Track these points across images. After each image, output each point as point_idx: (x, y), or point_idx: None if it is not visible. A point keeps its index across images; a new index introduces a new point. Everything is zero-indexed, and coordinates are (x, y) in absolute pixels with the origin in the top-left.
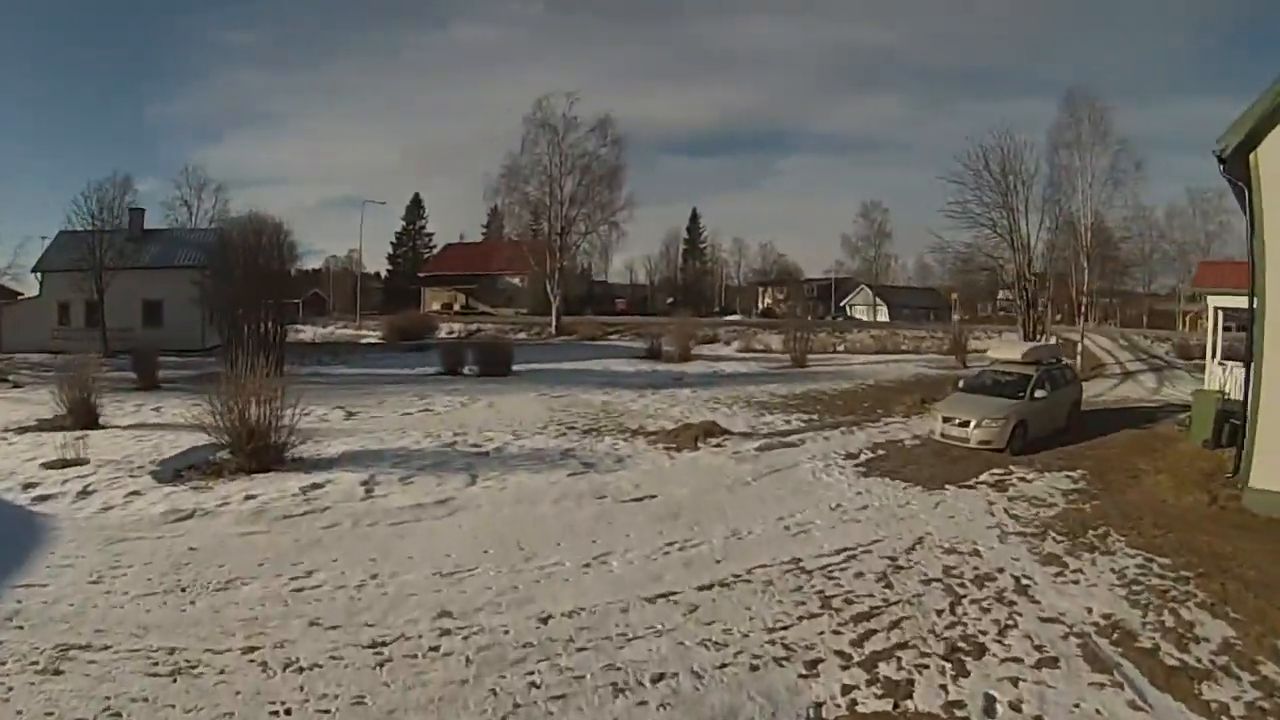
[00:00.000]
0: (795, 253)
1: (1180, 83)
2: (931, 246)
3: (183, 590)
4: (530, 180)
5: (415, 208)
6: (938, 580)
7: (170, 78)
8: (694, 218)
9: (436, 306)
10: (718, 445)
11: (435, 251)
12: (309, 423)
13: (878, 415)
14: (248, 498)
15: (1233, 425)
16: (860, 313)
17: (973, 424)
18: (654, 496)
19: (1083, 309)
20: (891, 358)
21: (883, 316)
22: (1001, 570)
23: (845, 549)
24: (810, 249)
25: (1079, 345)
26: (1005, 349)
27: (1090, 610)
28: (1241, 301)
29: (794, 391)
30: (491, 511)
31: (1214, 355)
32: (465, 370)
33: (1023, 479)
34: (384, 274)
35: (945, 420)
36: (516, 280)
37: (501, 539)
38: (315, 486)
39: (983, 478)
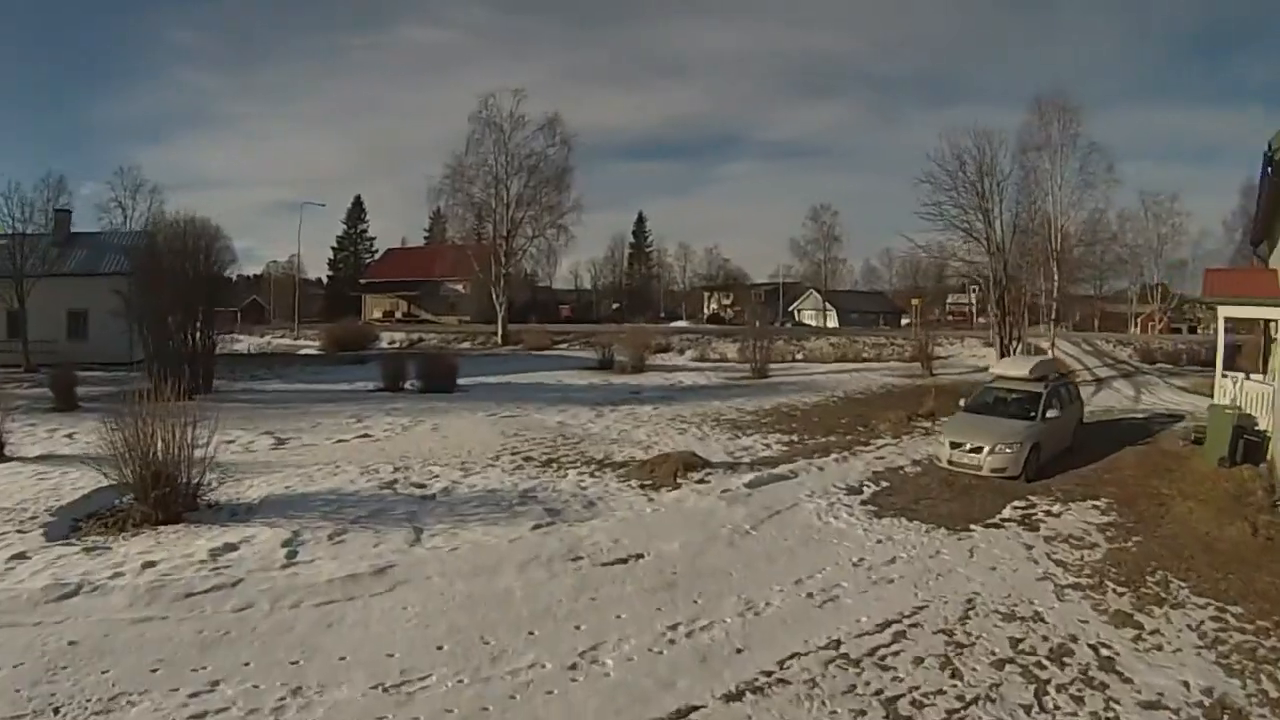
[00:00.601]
0: (742, 257)
1: (1128, 91)
2: (901, 250)
3: (56, 712)
4: (475, 181)
5: (356, 211)
6: (1010, 661)
7: (113, 77)
8: (640, 221)
9: (378, 314)
10: (701, 481)
11: (377, 257)
12: (232, 453)
13: (862, 435)
14: (146, 565)
15: (1249, 442)
16: (809, 317)
17: (985, 450)
18: (640, 556)
19: (1053, 314)
20: (853, 366)
21: (832, 321)
22: (1075, 639)
23: (889, 622)
24: (757, 253)
25: (1050, 352)
26: (1011, 365)
27: (1188, 685)
28: (1255, 311)
29: (763, 407)
30: (443, 585)
31: (1221, 366)
32: (407, 385)
33: (1049, 513)
34: (325, 280)
35: (954, 446)
36: (460, 287)
37: (458, 628)
38: (228, 548)
39: (1006, 513)
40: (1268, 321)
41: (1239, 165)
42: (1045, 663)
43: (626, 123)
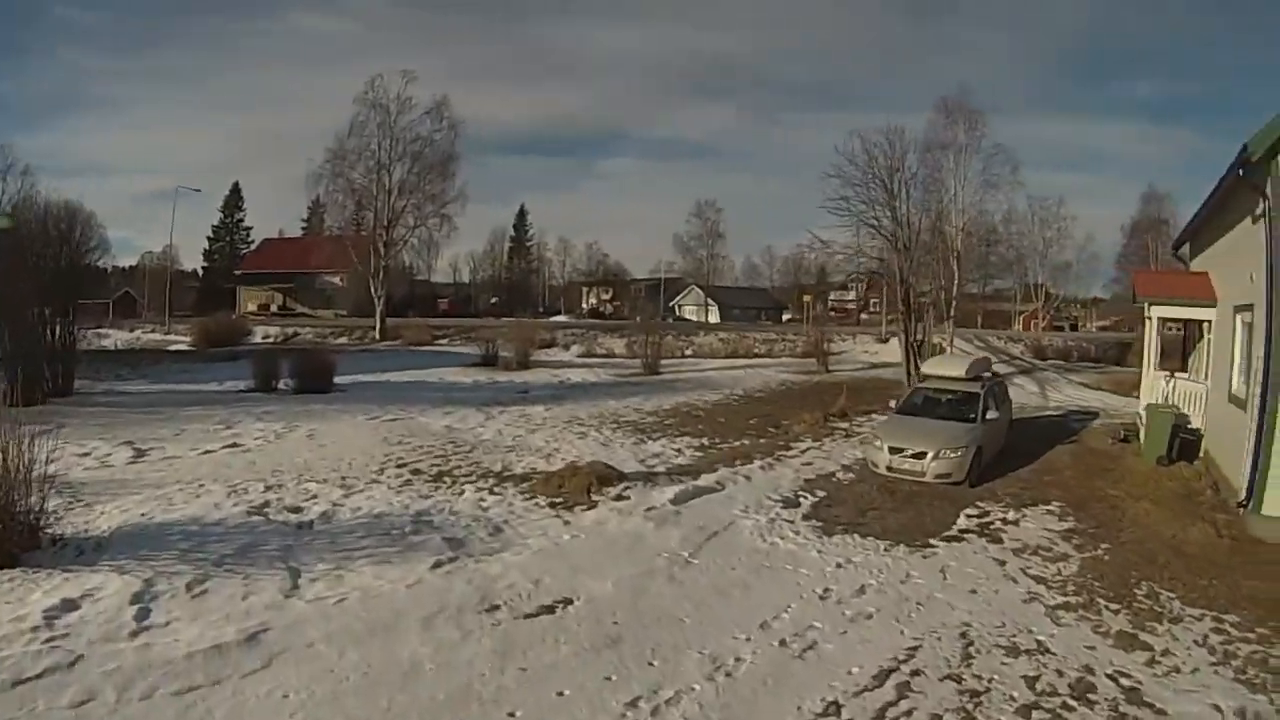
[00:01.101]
0: (622, 253)
1: (1015, 102)
2: (784, 248)
3: None
4: (357, 166)
5: (234, 199)
6: (1035, 706)
7: None
8: (522, 214)
9: (253, 308)
10: (619, 498)
11: (253, 248)
12: (85, 469)
13: (779, 438)
14: None
15: (1184, 440)
16: (690, 313)
17: (930, 456)
18: (570, 601)
19: (951, 312)
20: (745, 363)
21: (714, 317)
22: (1091, 670)
23: (886, 671)
24: (638, 250)
25: (949, 350)
26: (944, 364)
27: (1220, 709)
28: (1187, 312)
29: (662, 406)
30: (331, 657)
31: (1153, 366)
32: (281, 385)
33: (1006, 520)
34: (200, 272)
35: (894, 452)
36: (337, 279)
37: None
38: (67, 606)
39: (961, 523)
40: (1200, 322)
41: (1127, 174)
42: (1071, 703)
43: (512, 118)
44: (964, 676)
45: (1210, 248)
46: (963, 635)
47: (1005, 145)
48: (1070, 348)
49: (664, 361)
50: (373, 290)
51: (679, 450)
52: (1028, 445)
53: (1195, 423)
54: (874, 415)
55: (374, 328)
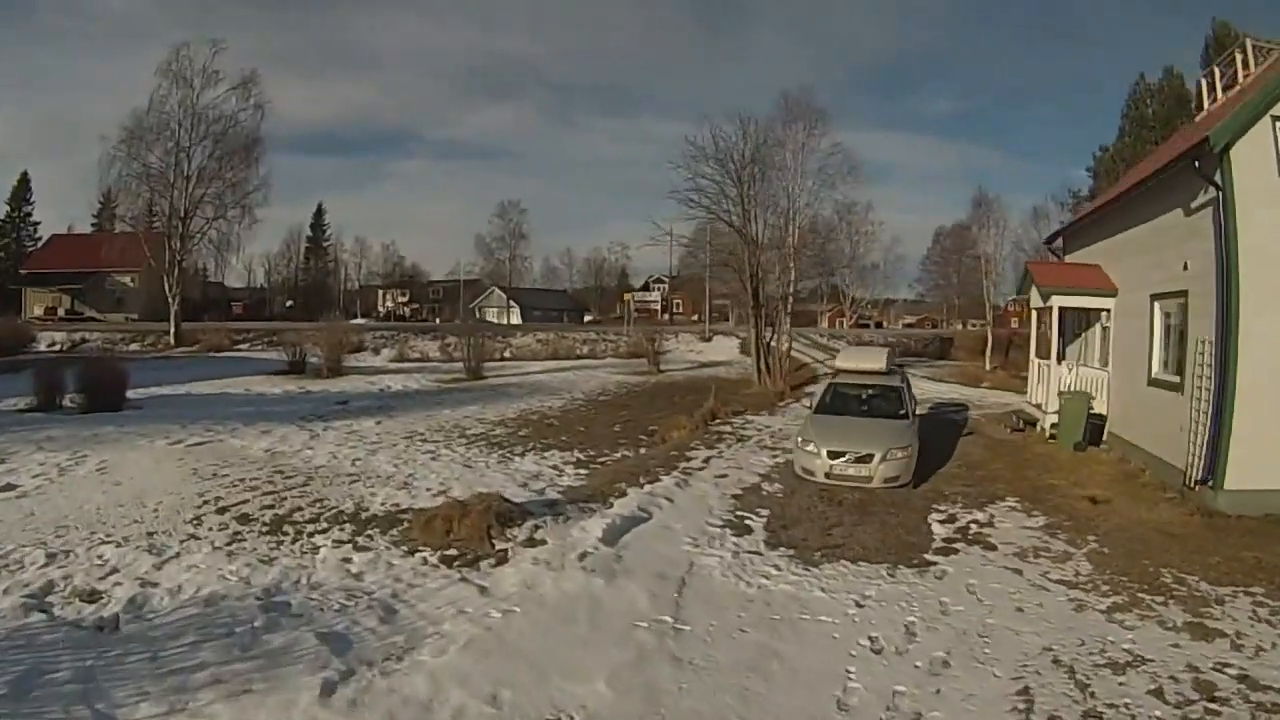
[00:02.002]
0: (421, 254)
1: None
2: (582, 251)
3: None
4: (154, 149)
5: (21, 191)
6: None
7: None
8: (319, 213)
9: (39, 311)
10: (531, 541)
11: (40, 245)
12: None
13: (662, 447)
14: None
15: (1092, 425)
16: (492, 315)
17: (877, 458)
18: None
19: (788, 308)
20: (571, 364)
21: (515, 319)
22: (1197, 668)
23: None
24: (437, 250)
25: (786, 345)
26: (862, 357)
27: None
28: (1088, 301)
29: (505, 415)
30: None
31: (1060, 357)
32: (67, 402)
33: (980, 523)
34: None
35: (834, 456)
36: (129, 279)
37: None
38: None
39: (939, 531)
40: (1091, 311)
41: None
42: (1212, 706)
43: (303, 114)
44: (1099, 709)
45: (1103, 242)
46: (1055, 662)
47: (844, 145)
48: (892, 344)
49: (485, 365)
50: (167, 290)
51: (556, 468)
52: (931, 441)
53: (1098, 408)
54: (747, 416)
55: (169, 332)
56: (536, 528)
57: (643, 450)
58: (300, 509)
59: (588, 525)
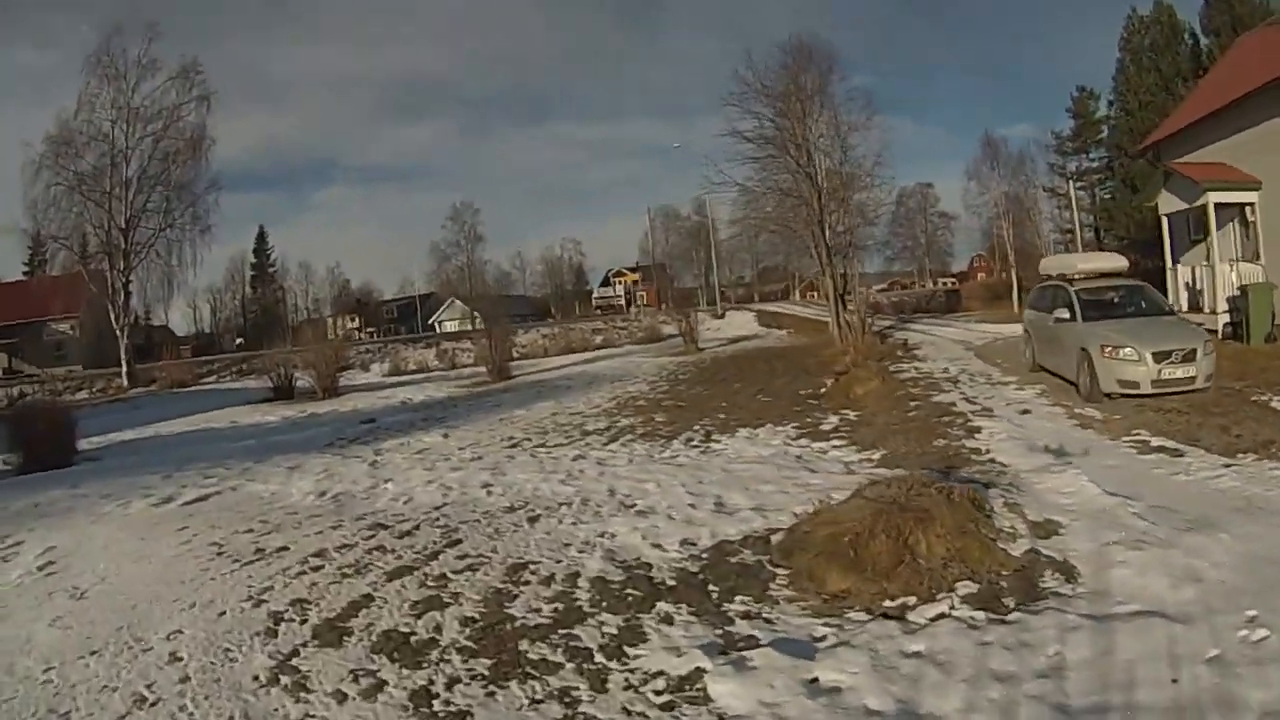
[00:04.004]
0: (370, 275)
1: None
2: (535, 252)
3: None
4: (86, 154)
5: None
6: None
7: None
8: (261, 237)
9: None
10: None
11: None
12: None
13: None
14: None
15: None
16: (451, 326)
17: (1199, 354)
18: None
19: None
20: (594, 354)
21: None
22: None
23: None
24: (385, 271)
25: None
26: (1098, 259)
27: None
28: (1235, 196)
29: (601, 405)
30: None
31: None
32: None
33: None
34: None
35: (1159, 358)
36: (68, 327)
37: None
38: None
39: None
40: (1240, 206)
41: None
42: None
43: (226, 150)
44: None
45: (1221, 142)
46: None
47: (861, 87)
48: (900, 303)
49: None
50: (113, 320)
51: (822, 452)
52: None
53: None
54: (885, 364)
55: (120, 374)
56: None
57: (854, 414)
58: (501, 596)
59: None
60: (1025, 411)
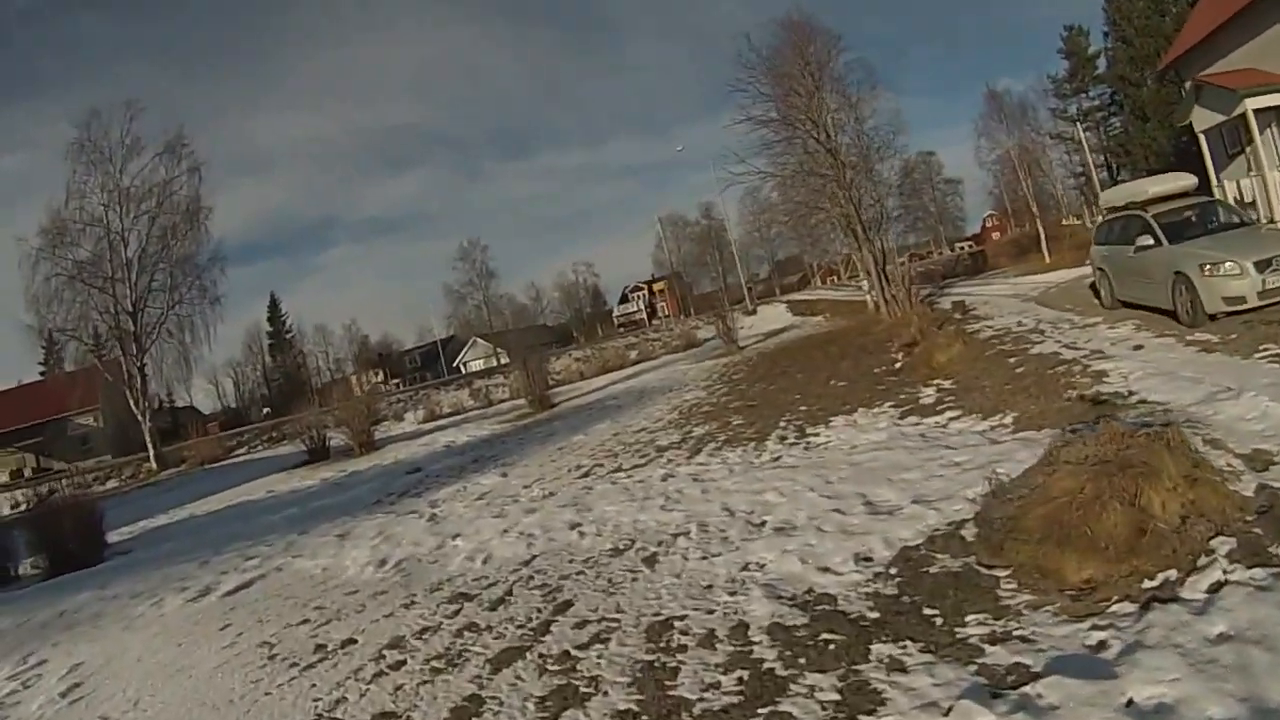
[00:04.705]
0: (387, 328)
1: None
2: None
3: None
4: (82, 241)
5: None
6: None
7: None
8: (273, 305)
9: (4, 478)
10: None
11: None
12: None
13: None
14: None
15: None
16: (477, 366)
17: None
18: None
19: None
20: (633, 369)
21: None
22: None
23: None
24: (401, 320)
25: (906, 269)
26: (1168, 180)
27: None
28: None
29: (663, 417)
30: None
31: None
32: (24, 570)
33: None
34: None
35: (1261, 267)
36: (91, 419)
37: None
38: None
39: None
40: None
41: None
42: None
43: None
44: None
45: (1246, 46)
46: None
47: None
48: (929, 271)
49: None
50: (132, 404)
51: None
52: None
53: None
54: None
55: (148, 457)
56: None
57: (949, 382)
58: (656, 672)
59: None
60: (1138, 347)
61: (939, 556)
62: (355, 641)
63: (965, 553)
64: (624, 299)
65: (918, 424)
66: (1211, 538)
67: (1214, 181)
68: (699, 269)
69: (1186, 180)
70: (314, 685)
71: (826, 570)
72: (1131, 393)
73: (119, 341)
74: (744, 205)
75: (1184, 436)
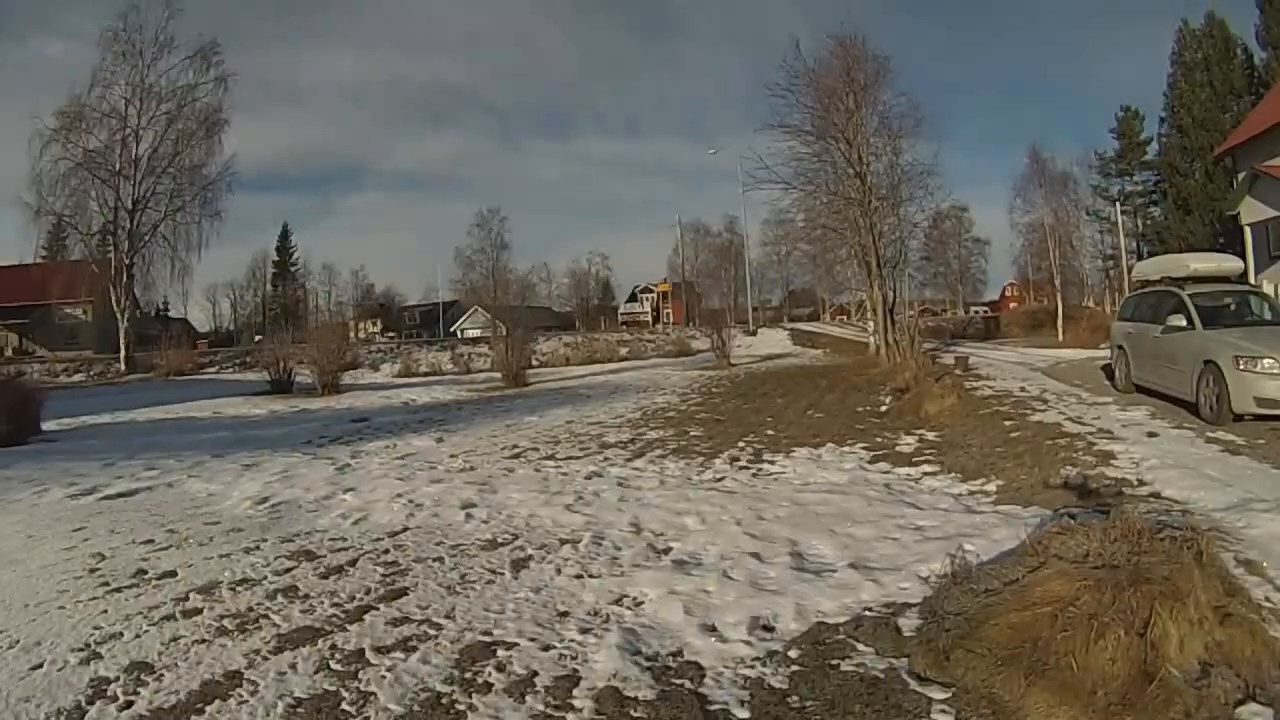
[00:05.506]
0: (394, 280)
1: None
2: (563, 266)
3: None
4: (97, 131)
5: None
6: None
7: None
8: (284, 235)
9: None
10: None
11: None
12: None
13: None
14: None
15: None
16: (473, 334)
17: None
18: None
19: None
20: (618, 365)
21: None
22: None
23: None
24: (409, 276)
25: (910, 331)
26: (1213, 259)
27: None
28: None
29: (626, 415)
30: None
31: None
32: None
33: None
34: None
35: None
36: (80, 313)
37: None
38: None
39: None
40: None
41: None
42: None
43: (250, 151)
44: None
45: None
46: None
47: (912, 95)
48: (939, 328)
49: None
50: (113, 301)
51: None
52: None
53: None
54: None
55: (120, 359)
56: None
57: (934, 434)
58: (437, 713)
59: None
60: (1152, 435)
61: (860, 649)
62: (174, 575)
63: (897, 651)
64: (632, 298)
65: (887, 472)
66: (1240, 703)
67: (1252, 280)
68: (712, 282)
69: (1232, 263)
70: (105, 611)
71: (711, 631)
72: (1142, 482)
73: (112, 236)
74: (766, 229)
75: (1216, 551)
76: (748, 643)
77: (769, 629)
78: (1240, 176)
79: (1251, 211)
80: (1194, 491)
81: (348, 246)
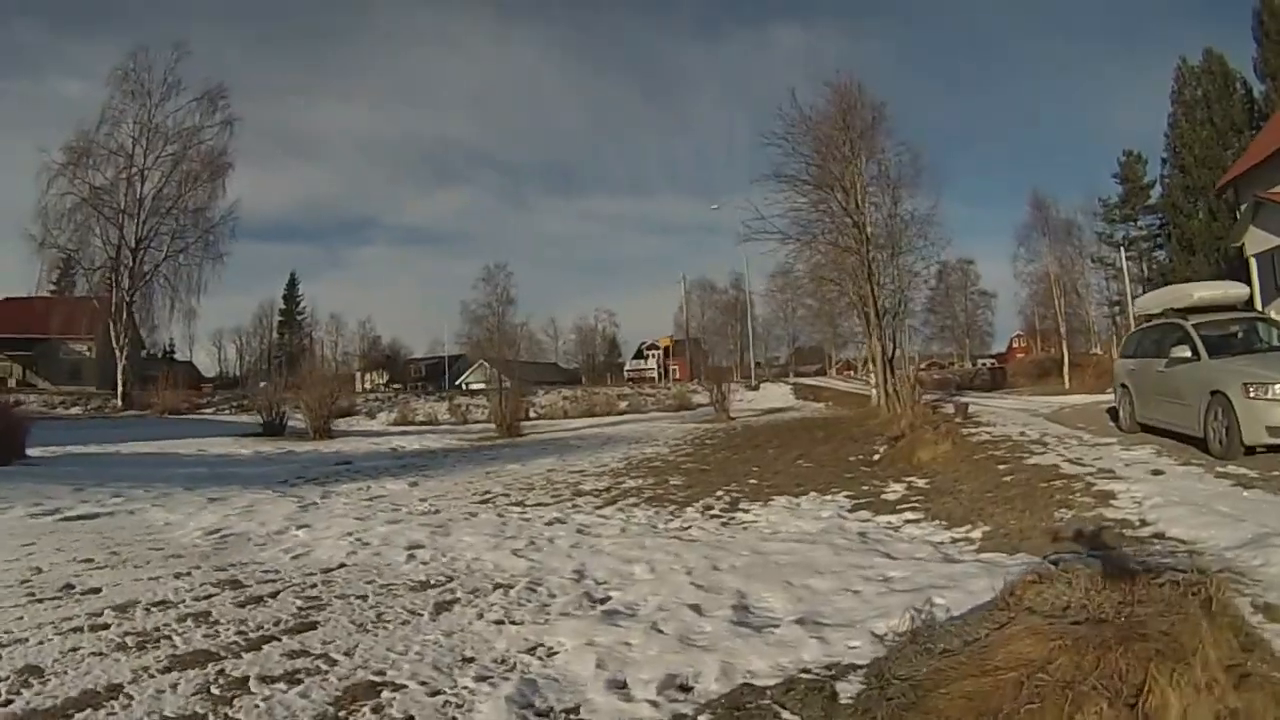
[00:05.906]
0: (401, 333)
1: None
2: (571, 321)
3: None
4: (103, 168)
5: None
6: None
7: None
8: (292, 284)
9: None
10: None
11: None
12: None
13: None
14: None
15: None
16: (479, 387)
17: None
18: None
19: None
20: (616, 419)
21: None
22: None
23: None
24: (416, 330)
25: (910, 381)
26: (1219, 288)
27: None
28: None
29: (609, 465)
30: None
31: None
32: None
33: None
34: None
35: None
36: (84, 349)
37: None
38: None
39: None
40: None
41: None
42: None
43: (260, 203)
44: None
45: None
46: None
47: (911, 144)
48: (944, 379)
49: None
50: (113, 338)
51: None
52: None
53: None
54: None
55: (116, 395)
56: None
57: (924, 481)
58: None
59: None
60: (1157, 472)
61: (784, 717)
62: (98, 592)
63: None
64: (639, 354)
65: (866, 520)
66: None
67: (1258, 309)
68: (719, 339)
69: (1238, 290)
70: (20, 619)
71: (619, 688)
72: (1145, 522)
73: (114, 274)
74: (771, 280)
75: (1229, 596)
76: (654, 704)
77: (685, 689)
78: (1243, 207)
79: (1256, 241)
80: (1202, 530)
81: (355, 298)
